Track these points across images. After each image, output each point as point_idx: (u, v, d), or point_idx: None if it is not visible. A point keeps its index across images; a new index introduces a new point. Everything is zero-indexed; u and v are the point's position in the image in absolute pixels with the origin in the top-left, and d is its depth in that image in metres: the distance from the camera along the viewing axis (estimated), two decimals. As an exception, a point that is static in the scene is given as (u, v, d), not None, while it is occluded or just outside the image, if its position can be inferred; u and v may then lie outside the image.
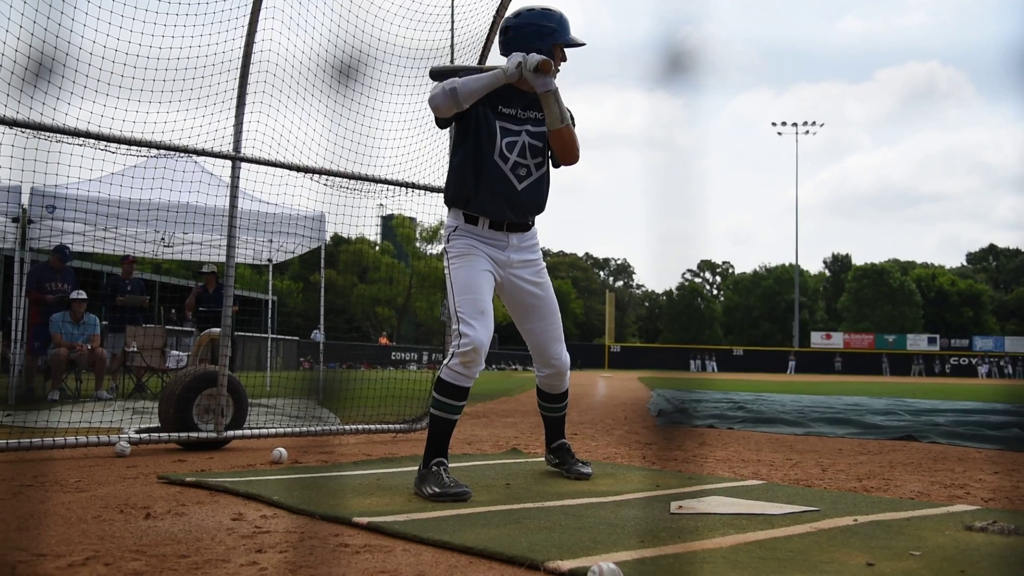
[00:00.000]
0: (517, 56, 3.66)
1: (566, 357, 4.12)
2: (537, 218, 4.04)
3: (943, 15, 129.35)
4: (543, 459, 4.93)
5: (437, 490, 3.47)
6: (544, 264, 4.06)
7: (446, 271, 3.83)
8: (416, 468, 3.74)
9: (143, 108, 4.92)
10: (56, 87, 4.61)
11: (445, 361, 3.70)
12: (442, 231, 3.94)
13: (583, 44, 3.90)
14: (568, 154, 3.83)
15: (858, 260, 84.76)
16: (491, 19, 6.01)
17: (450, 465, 3.67)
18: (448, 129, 4.48)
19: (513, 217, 3.86)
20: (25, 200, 9.52)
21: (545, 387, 4.22)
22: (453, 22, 5.97)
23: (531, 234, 3.97)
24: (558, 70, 3.87)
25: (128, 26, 4.74)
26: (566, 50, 3.91)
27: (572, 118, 3.84)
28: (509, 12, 3.96)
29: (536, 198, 3.93)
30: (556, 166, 4.00)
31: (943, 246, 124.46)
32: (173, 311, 14.82)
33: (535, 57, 3.61)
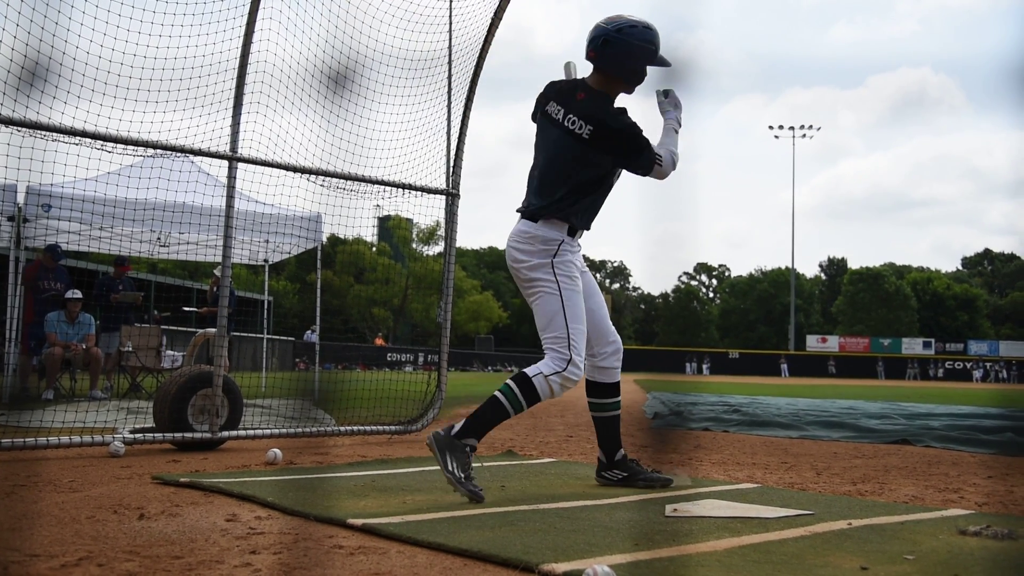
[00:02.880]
0: (673, 112, 3.93)
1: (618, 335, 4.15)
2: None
3: (933, 23, 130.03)
4: (538, 461, 4.92)
5: (461, 475, 3.44)
6: None
7: (550, 283, 3.77)
8: (411, 468, 3.74)
9: (140, 108, 4.92)
10: (52, 86, 4.61)
11: (545, 372, 3.66)
12: (535, 242, 3.79)
13: (670, 65, 3.87)
14: (660, 173, 3.95)
15: (854, 264, 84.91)
16: (488, 22, 6.02)
17: (477, 464, 3.68)
18: (450, 132, 4.48)
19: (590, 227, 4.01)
20: (21, 199, 9.50)
21: (601, 376, 4.09)
22: (451, 24, 5.98)
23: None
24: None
25: (126, 26, 4.74)
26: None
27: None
28: (602, 20, 3.85)
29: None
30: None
31: (936, 251, 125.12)
32: (156, 313, 14.80)
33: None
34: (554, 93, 3.91)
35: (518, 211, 3.93)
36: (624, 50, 3.77)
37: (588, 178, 3.81)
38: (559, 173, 3.80)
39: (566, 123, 3.78)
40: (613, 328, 4.10)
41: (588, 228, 3.97)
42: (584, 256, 4.08)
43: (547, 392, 3.65)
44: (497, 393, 3.66)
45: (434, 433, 3.55)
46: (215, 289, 12.34)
